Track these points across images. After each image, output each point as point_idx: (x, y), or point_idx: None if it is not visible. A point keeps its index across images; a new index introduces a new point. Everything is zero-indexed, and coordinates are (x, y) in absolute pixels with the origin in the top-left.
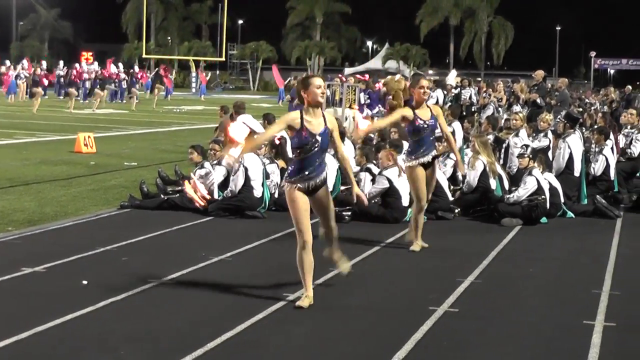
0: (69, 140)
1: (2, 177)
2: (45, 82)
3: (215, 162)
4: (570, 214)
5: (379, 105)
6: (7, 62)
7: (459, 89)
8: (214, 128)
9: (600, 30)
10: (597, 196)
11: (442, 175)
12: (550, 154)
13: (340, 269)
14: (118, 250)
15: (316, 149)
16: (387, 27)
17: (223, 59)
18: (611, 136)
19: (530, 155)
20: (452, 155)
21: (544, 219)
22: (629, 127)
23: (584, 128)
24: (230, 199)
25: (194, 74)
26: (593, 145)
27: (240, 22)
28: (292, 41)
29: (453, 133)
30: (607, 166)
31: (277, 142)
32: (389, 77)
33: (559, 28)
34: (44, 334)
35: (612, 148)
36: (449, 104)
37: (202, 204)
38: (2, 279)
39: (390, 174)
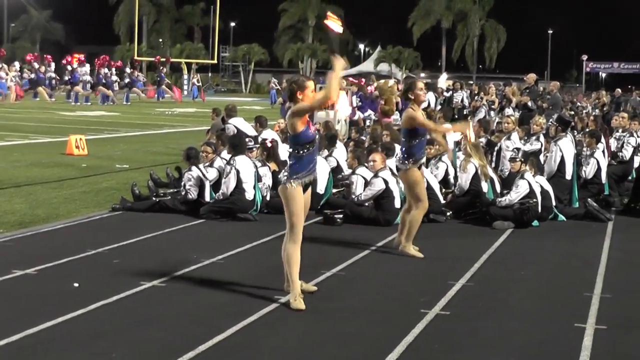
0: (60, 143)
1: None
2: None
3: (207, 164)
4: (561, 217)
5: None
6: None
7: (450, 92)
8: (205, 130)
9: (592, 33)
10: (589, 199)
11: (433, 178)
12: (542, 157)
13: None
14: (109, 253)
15: (317, 145)
16: (380, 29)
17: (215, 61)
18: (602, 139)
19: (522, 159)
20: (443, 158)
21: (535, 222)
22: (620, 130)
23: (575, 131)
24: (222, 202)
25: (186, 77)
26: (584, 149)
27: (233, 24)
28: (284, 44)
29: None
30: (599, 169)
31: (269, 144)
32: (382, 81)
33: (551, 31)
34: (35, 337)
35: (603, 151)
36: (439, 106)
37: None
38: None
39: (385, 175)
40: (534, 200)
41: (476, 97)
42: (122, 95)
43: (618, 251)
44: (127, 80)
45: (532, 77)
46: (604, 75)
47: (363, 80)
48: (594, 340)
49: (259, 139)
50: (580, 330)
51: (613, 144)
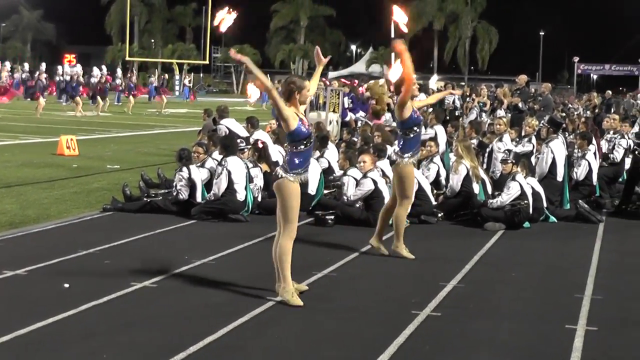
0: (51, 143)
1: None
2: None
3: (199, 164)
4: (552, 218)
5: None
6: None
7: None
8: (197, 131)
9: (584, 35)
10: (580, 201)
11: (425, 179)
12: (533, 158)
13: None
14: (100, 253)
15: (313, 140)
16: (371, 30)
17: (207, 62)
18: (594, 141)
19: (513, 160)
20: (435, 159)
21: (526, 224)
22: (611, 132)
23: (566, 133)
24: (213, 202)
25: (177, 77)
26: (576, 150)
27: None
28: (276, 44)
29: (436, 137)
30: (590, 171)
31: (260, 145)
32: (372, 81)
33: (543, 33)
34: (25, 337)
35: (594, 153)
36: (431, 108)
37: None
38: None
39: (374, 176)
40: (525, 201)
41: (468, 99)
42: (113, 95)
43: (609, 253)
44: (118, 81)
45: (523, 78)
46: (595, 77)
47: (356, 81)
48: (584, 341)
49: (251, 140)
50: (571, 332)
51: (604, 145)
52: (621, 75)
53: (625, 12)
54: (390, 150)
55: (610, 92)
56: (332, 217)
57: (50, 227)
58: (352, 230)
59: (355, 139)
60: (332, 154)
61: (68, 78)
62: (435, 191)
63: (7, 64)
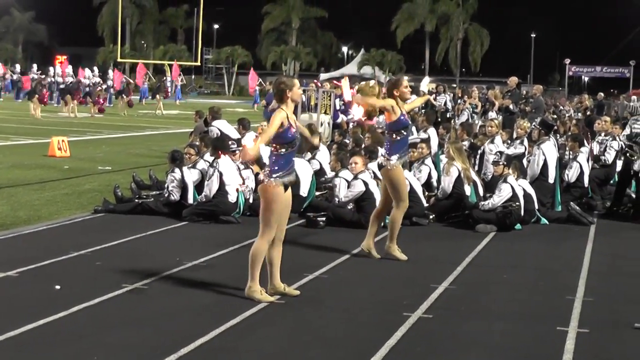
0: (42, 144)
1: None
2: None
3: (190, 165)
4: (544, 220)
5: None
6: None
7: (433, 95)
8: (189, 132)
9: (575, 37)
10: (571, 203)
11: (416, 181)
12: (524, 160)
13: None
14: (92, 255)
15: (297, 145)
16: (363, 32)
17: (198, 63)
18: (586, 143)
19: (505, 162)
20: (426, 161)
21: (518, 226)
22: (602, 134)
23: (558, 135)
24: (204, 204)
25: (169, 79)
26: (567, 152)
27: (216, 26)
28: (267, 46)
29: (428, 139)
30: (581, 173)
31: None
32: (363, 82)
33: (534, 35)
34: (16, 339)
35: (588, 156)
36: (423, 110)
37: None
38: None
39: (365, 177)
40: (517, 203)
41: (459, 101)
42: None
43: (600, 255)
44: (110, 82)
45: (513, 80)
46: (586, 79)
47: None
48: (576, 343)
49: (242, 142)
50: (563, 334)
51: (595, 147)
52: (612, 77)
53: (616, 14)
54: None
55: (602, 94)
56: (324, 218)
57: (41, 229)
58: (343, 232)
59: (347, 141)
60: (323, 155)
61: (60, 79)
62: (426, 193)
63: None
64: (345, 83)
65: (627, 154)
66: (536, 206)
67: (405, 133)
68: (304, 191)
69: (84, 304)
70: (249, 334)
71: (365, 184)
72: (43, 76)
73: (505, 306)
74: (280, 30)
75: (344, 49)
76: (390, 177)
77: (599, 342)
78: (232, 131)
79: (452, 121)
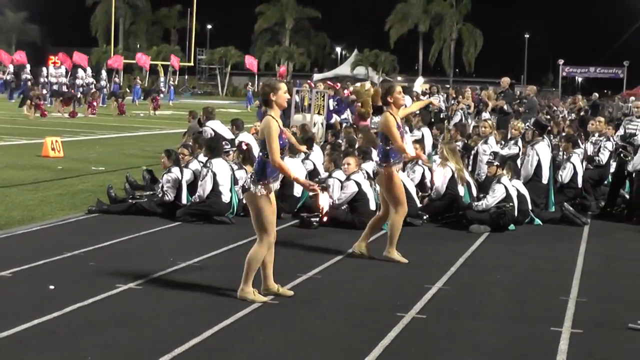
0: (36, 145)
1: None
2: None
3: (182, 165)
4: (538, 221)
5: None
6: None
7: (427, 96)
8: (182, 133)
9: (569, 38)
10: (565, 203)
11: (410, 181)
12: (519, 161)
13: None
14: (85, 255)
15: (286, 151)
16: (356, 33)
17: (192, 63)
18: (580, 144)
19: (498, 163)
20: (420, 162)
21: (511, 226)
22: (596, 134)
23: (551, 136)
24: (198, 204)
25: (162, 79)
26: (561, 153)
27: (209, 27)
28: (260, 47)
29: (422, 139)
30: (575, 174)
31: (245, 147)
32: (358, 84)
33: (528, 36)
34: (10, 339)
35: (580, 156)
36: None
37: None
38: None
39: (358, 178)
40: (511, 204)
41: (453, 101)
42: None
43: (594, 255)
44: (103, 83)
45: (506, 81)
46: (580, 79)
47: (338, 84)
48: (570, 344)
49: (236, 142)
50: (556, 334)
51: (589, 148)
52: (606, 77)
53: (609, 14)
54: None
55: (596, 94)
56: (317, 219)
57: (35, 229)
58: (337, 232)
59: (340, 141)
60: (317, 156)
61: (53, 80)
62: (420, 193)
63: None
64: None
65: (621, 155)
66: (530, 207)
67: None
68: (297, 192)
69: (77, 304)
70: (243, 334)
71: (358, 184)
72: (33, 80)
73: (499, 307)
74: (273, 30)
75: (338, 50)
76: (386, 184)
77: (593, 343)
78: (225, 132)
79: (446, 122)
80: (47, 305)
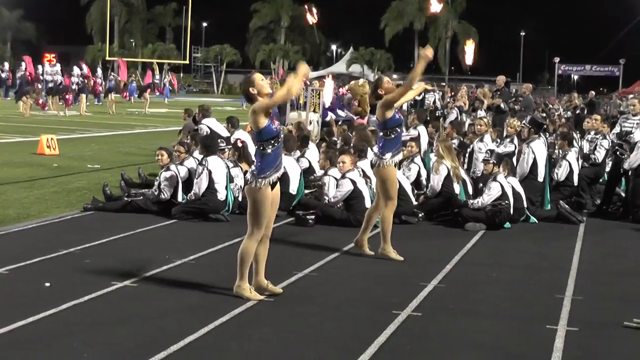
0: (31, 142)
1: None
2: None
3: (178, 163)
4: (533, 219)
5: (342, 110)
6: None
7: (423, 93)
8: (177, 131)
9: (564, 36)
10: (561, 201)
11: (405, 179)
12: (514, 159)
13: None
14: (81, 253)
15: (281, 140)
16: (352, 31)
17: (187, 61)
18: (574, 143)
19: (495, 161)
20: (416, 159)
21: (507, 224)
22: (592, 132)
23: (547, 133)
24: (193, 202)
25: (157, 77)
26: (557, 151)
27: (205, 25)
28: (256, 44)
29: (418, 137)
30: (571, 172)
31: (240, 144)
32: (353, 82)
33: (523, 34)
34: (5, 337)
35: (576, 154)
36: (413, 108)
37: None
38: None
39: (353, 176)
40: (506, 202)
41: (448, 100)
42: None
43: (590, 253)
44: (98, 80)
45: (501, 79)
46: (576, 77)
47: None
48: (565, 341)
49: (232, 140)
50: (552, 332)
51: (585, 146)
52: (602, 75)
53: (605, 12)
54: (370, 152)
55: (593, 92)
56: (313, 217)
57: (31, 227)
58: (332, 230)
59: (336, 139)
60: (312, 153)
61: (49, 78)
62: (416, 191)
63: None
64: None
65: (617, 153)
66: (525, 204)
67: (399, 130)
68: (293, 189)
69: (73, 301)
70: (239, 331)
71: (354, 182)
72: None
73: (495, 304)
74: (269, 28)
75: (333, 47)
76: (382, 175)
77: (588, 341)
78: (221, 129)
79: (441, 120)
80: (43, 303)
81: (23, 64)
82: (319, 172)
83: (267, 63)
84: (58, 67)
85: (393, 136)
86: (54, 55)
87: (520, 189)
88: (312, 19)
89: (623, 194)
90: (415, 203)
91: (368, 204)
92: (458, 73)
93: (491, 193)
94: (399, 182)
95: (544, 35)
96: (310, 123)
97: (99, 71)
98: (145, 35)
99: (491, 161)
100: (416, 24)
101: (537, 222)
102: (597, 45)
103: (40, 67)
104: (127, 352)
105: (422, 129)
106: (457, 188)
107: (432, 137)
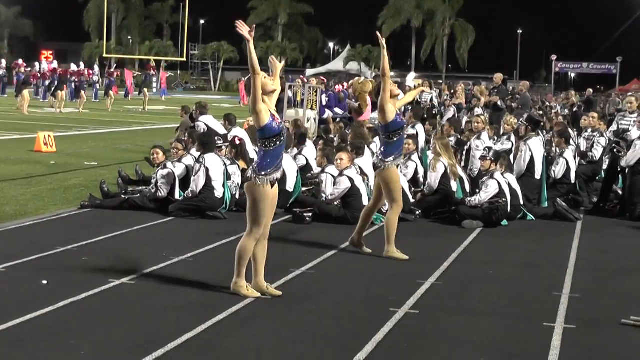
0: (28, 140)
1: None
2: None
3: (175, 160)
4: (530, 216)
5: (338, 107)
6: None
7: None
8: (175, 128)
9: (561, 34)
10: (558, 199)
11: (403, 177)
12: (511, 157)
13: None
14: (78, 250)
15: (284, 137)
16: (349, 28)
17: (184, 59)
18: (572, 141)
19: (492, 158)
20: (413, 157)
21: (504, 222)
22: (589, 130)
23: (544, 131)
24: (191, 200)
25: (152, 72)
26: (554, 148)
27: (202, 22)
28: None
29: (416, 135)
30: (568, 169)
31: (238, 142)
32: (356, 79)
33: (520, 32)
34: (2, 334)
35: (573, 151)
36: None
37: None
38: None
39: (350, 173)
40: (504, 199)
41: (446, 97)
42: (91, 92)
43: (587, 251)
44: (95, 78)
45: (499, 77)
46: (573, 75)
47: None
48: (562, 339)
49: (229, 137)
50: (549, 330)
51: (582, 144)
52: (599, 73)
53: (602, 10)
54: (368, 151)
55: (590, 90)
56: (310, 214)
57: (28, 224)
58: (329, 227)
59: (333, 136)
60: (310, 151)
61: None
62: (413, 189)
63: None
64: None
65: (614, 150)
66: (521, 201)
67: (401, 134)
68: (290, 187)
69: (70, 299)
70: (236, 329)
71: (351, 180)
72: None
73: (492, 302)
74: (266, 26)
75: (330, 45)
76: (385, 177)
77: (586, 338)
78: (218, 127)
79: (439, 117)
80: (40, 301)
81: (20, 61)
82: (316, 169)
83: (264, 60)
84: (55, 64)
85: (395, 139)
86: (51, 52)
87: (516, 186)
88: None
89: (620, 192)
90: (412, 201)
91: (365, 201)
92: (455, 71)
93: (488, 190)
94: None
95: (541, 33)
96: (308, 120)
97: (96, 68)
98: (142, 33)
99: (488, 157)
100: (413, 21)
101: (534, 219)
102: (595, 43)
103: (37, 64)
104: (124, 350)
105: (419, 126)
106: (454, 186)
107: (430, 134)
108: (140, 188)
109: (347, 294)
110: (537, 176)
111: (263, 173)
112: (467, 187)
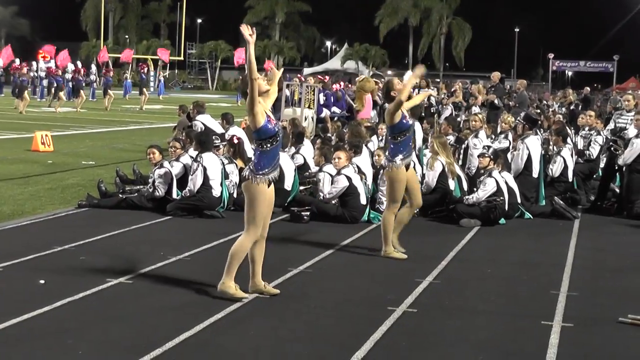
0: (26, 139)
1: None
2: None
3: (173, 159)
4: (528, 215)
5: (336, 106)
6: None
7: (417, 90)
8: (172, 127)
9: (558, 32)
10: (555, 197)
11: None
12: (509, 155)
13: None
14: (76, 250)
15: (280, 138)
16: (346, 27)
17: (182, 58)
18: (569, 139)
19: (491, 156)
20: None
21: (502, 220)
22: (587, 128)
23: (542, 130)
24: (188, 199)
25: (152, 73)
26: (551, 147)
27: (199, 21)
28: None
29: (414, 133)
30: (565, 168)
31: (235, 141)
32: (360, 76)
33: (517, 30)
34: (0, 333)
35: (571, 150)
36: None
37: None
38: None
39: (348, 172)
40: (501, 198)
41: (443, 96)
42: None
43: (584, 249)
44: (92, 77)
45: (496, 75)
46: (570, 73)
47: (327, 77)
48: (560, 337)
49: (226, 136)
50: (547, 328)
51: (580, 142)
52: (596, 71)
53: (599, 9)
54: (365, 150)
55: (588, 88)
56: (308, 213)
57: (25, 223)
58: (327, 226)
59: (331, 135)
60: (307, 150)
61: (43, 74)
62: None
63: None
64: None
65: (612, 149)
66: (519, 200)
67: (407, 135)
68: (287, 185)
69: (68, 298)
70: (234, 328)
71: (349, 179)
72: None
73: (490, 300)
74: (263, 24)
75: (328, 44)
76: (390, 177)
77: (583, 337)
78: (216, 126)
79: (436, 116)
80: (38, 300)
81: (17, 60)
82: (313, 168)
83: (261, 59)
84: (52, 63)
85: (400, 139)
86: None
87: (513, 185)
88: None
89: (617, 190)
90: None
91: (363, 200)
92: (452, 69)
93: (486, 189)
94: None
95: (538, 31)
96: (305, 119)
97: (94, 67)
98: (139, 32)
99: (487, 155)
100: (411, 20)
101: (532, 218)
102: (591, 42)
103: (34, 63)
104: (122, 349)
105: (416, 125)
106: (452, 184)
107: (427, 133)
108: (138, 187)
109: (345, 292)
110: (535, 174)
111: (260, 173)
112: (465, 186)
